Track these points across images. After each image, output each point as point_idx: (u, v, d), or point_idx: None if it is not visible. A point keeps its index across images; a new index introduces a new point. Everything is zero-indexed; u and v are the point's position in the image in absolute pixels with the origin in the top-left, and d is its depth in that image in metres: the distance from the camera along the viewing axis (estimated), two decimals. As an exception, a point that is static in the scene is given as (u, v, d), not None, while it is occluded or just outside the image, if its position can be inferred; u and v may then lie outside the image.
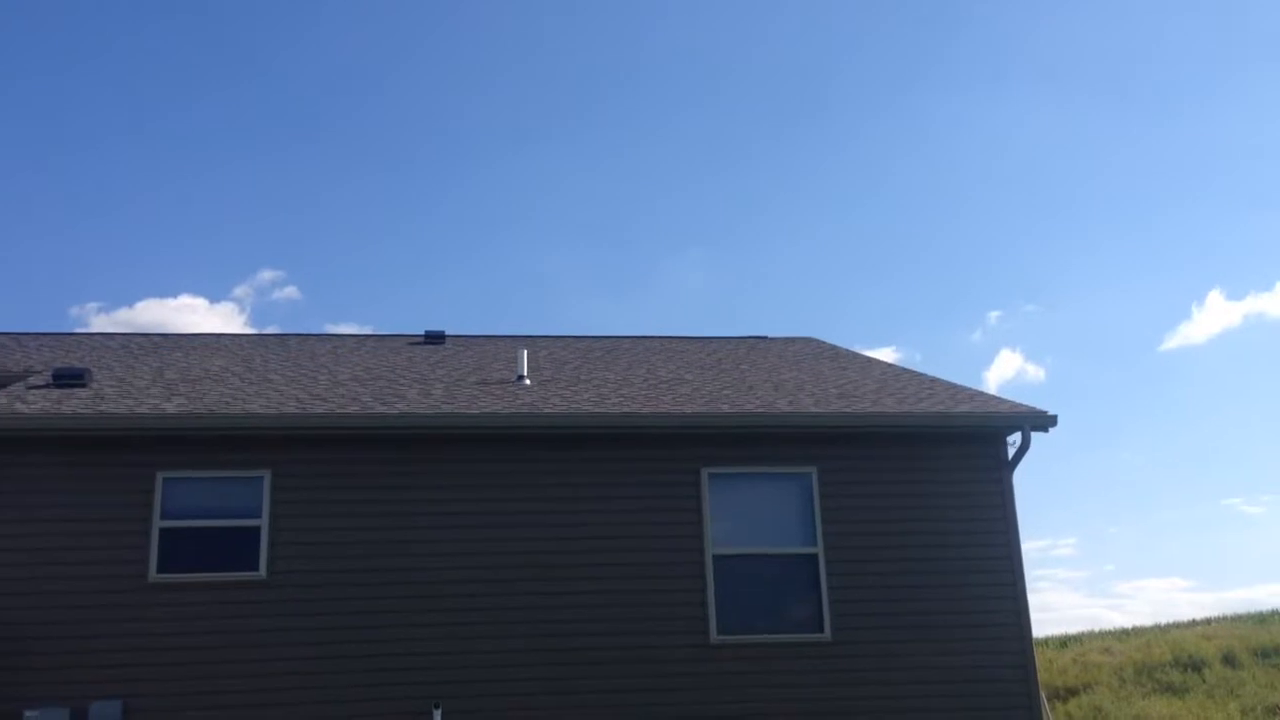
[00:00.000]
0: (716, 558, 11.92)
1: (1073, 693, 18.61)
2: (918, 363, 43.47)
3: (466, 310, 45.94)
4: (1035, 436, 12.38)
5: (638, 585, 11.72)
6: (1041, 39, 43.23)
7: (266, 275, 43.75)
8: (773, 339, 18.17)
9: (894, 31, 42.47)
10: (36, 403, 11.71)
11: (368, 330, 24.46)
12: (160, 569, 11.17)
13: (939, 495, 12.40)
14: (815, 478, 12.28)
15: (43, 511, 11.19)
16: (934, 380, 14.47)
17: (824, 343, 17.84)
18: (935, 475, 12.47)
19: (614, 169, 43.84)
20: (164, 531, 11.28)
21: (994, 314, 51.36)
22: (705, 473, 12.14)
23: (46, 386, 12.42)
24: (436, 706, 11.06)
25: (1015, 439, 12.50)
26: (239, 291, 43.42)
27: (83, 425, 11.31)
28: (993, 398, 13.57)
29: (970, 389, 13.92)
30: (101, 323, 38.79)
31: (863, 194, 46.46)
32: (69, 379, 12.52)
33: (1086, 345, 52.50)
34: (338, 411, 11.90)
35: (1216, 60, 46.49)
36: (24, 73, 36.42)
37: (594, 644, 11.47)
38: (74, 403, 11.77)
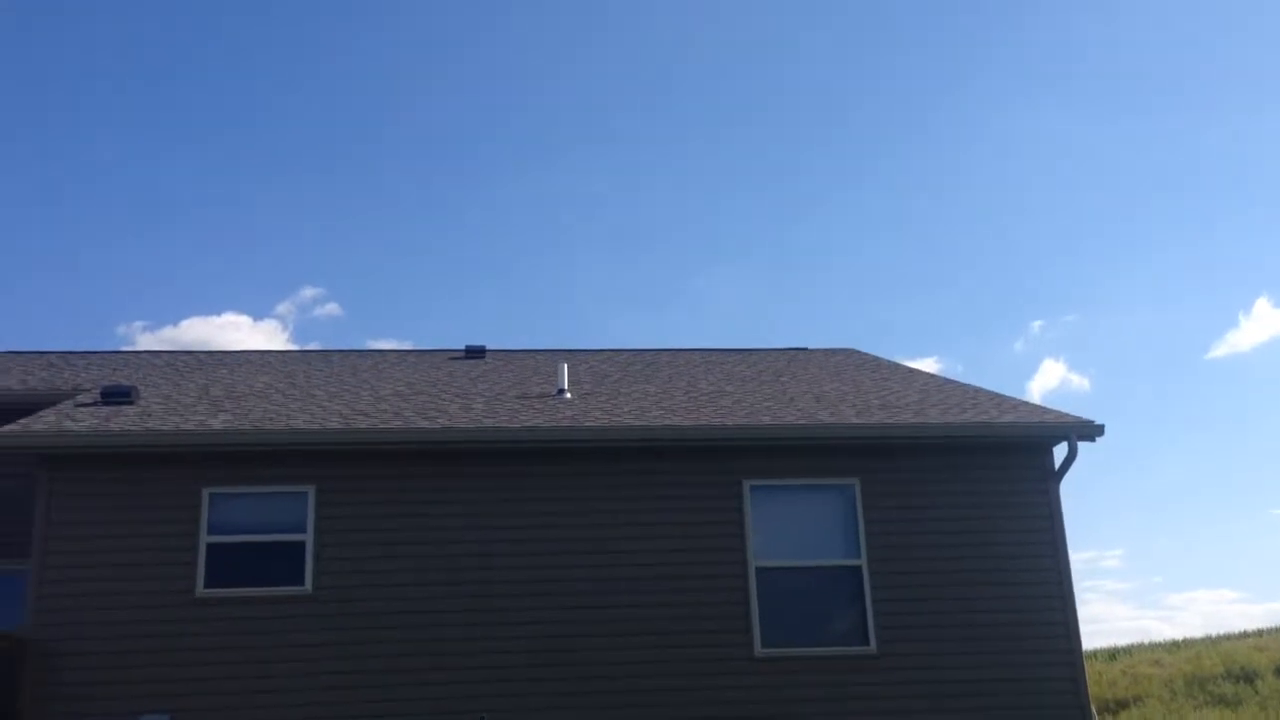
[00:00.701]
0: (759, 570, 11.86)
1: (1123, 705, 18.35)
2: (960, 374, 43.14)
3: (506, 325, 46.14)
4: (1081, 446, 12.26)
5: (681, 598, 11.69)
6: (1085, 48, 42.89)
7: (308, 292, 44.22)
8: (813, 350, 18.08)
9: (937, 43, 42.28)
10: (85, 420, 11.86)
11: (408, 346, 24.67)
12: (208, 584, 11.27)
13: (984, 506, 12.28)
14: (858, 489, 12.21)
15: (92, 528, 11.32)
16: (977, 390, 14.34)
17: (865, 354, 17.74)
18: (980, 486, 12.36)
19: (653, 181, 43.93)
20: (211, 546, 11.38)
21: (1037, 324, 50.90)
22: (747, 485, 12.10)
23: (95, 404, 12.59)
24: (481, 719, 11.07)
25: (1061, 449, 12.37)
26: (281, 309, 43.92)
27: (130, 442, 11.45)
28: (1038, 407, 13.43)
29: (1015, 399, 13.78)
30: (147, 341, 39.38)
31: (902, 205, 46.24)
32: (117, 397, 12.68)
33: (1131, 354, 51.94)
34: (380, 426, 11.98)
35: (1263, 66, 45.87)
36: (67, 95, 37.07)
37: (638, 657, 11.44)
38: (122, 420, 11.92)
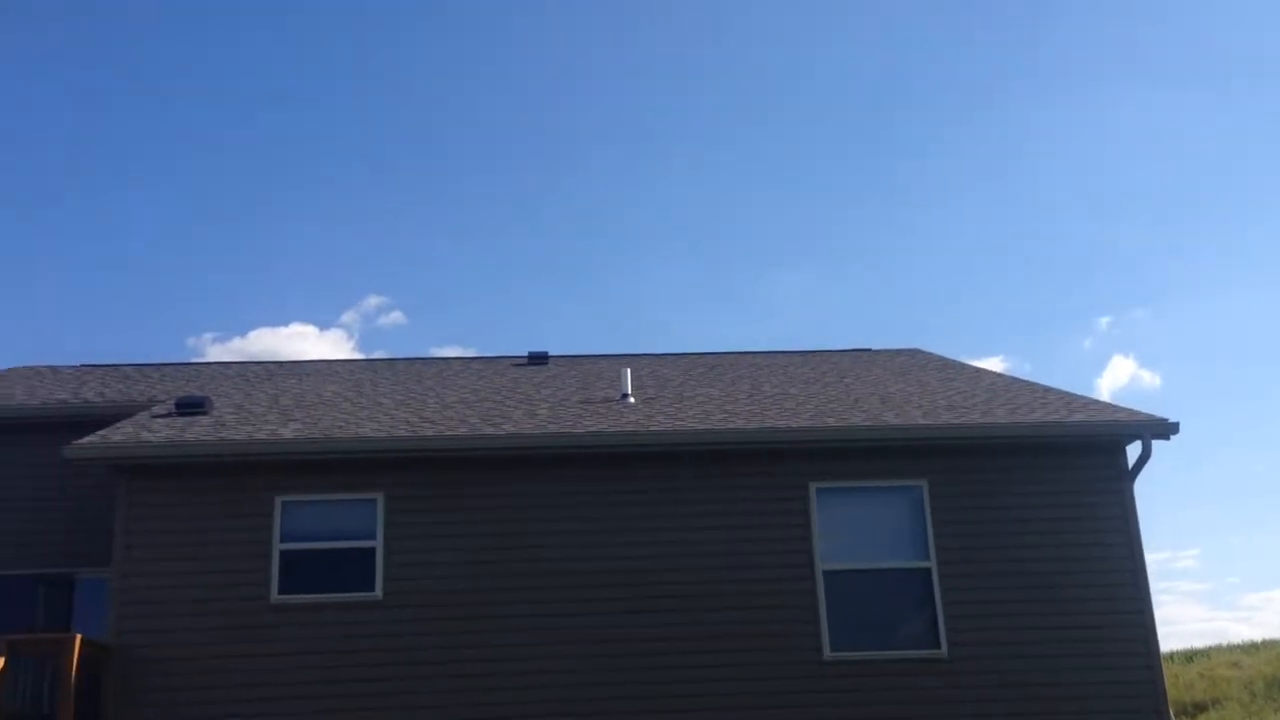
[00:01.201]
0: (827, 573, 11.80)
1: (1201, 708, 17.99)
2: (1026, 372, 42.54)
3: (568, 331, 46.31)
4: (1154, 445, 12.05)
5: (748, 602, 11.67)
6: (1148, 37, 42.10)
7: (373, 301, 44.71)
8: (877, 351, 17.96)
9: (998, 34, 41.72)
10: (161, 431, 12.13)
11: (472, 353, 24.90)
12: (281, 590, 11.46)
13: (1056, 507, 12.11)
14: (925, 491, 12.11)
15: (169, 536, 11.57)
16: (1046, 390, 14.15)
17: (930, 354, 17.57)
18: (1052, 487, 12.20)
19: (714, 184, 43.83)
20: (284, 554, 11.58)
21: (1104, 320, 49.95)
22: (813, 487, 12.05)
23: (170, 415, 12.86)
24: (551, 725, 11.15)
25: (1135, 448, 12.16)
26: (346, 318, 44.46)
27: (205, 452, 11.68)
28: (1109, 406, 13.21)
29: (1085, 398, 13.57)
30: (217, 352, 40.07)
31: (965, 200, 45.68)
32: (191, 407, 12.94)
33: (1204, 349, 50.74)
34: (447, 434, 12.09)
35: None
36: (138, 114, 37.93)
37: (706, 661, 11.44)
38: (196, 430, 12.17)
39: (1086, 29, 41.27)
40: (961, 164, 44.87)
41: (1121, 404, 13.25)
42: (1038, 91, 42.48)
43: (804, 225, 46.00)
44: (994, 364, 34.55)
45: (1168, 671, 17.15)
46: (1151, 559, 11.84)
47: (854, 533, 12.08)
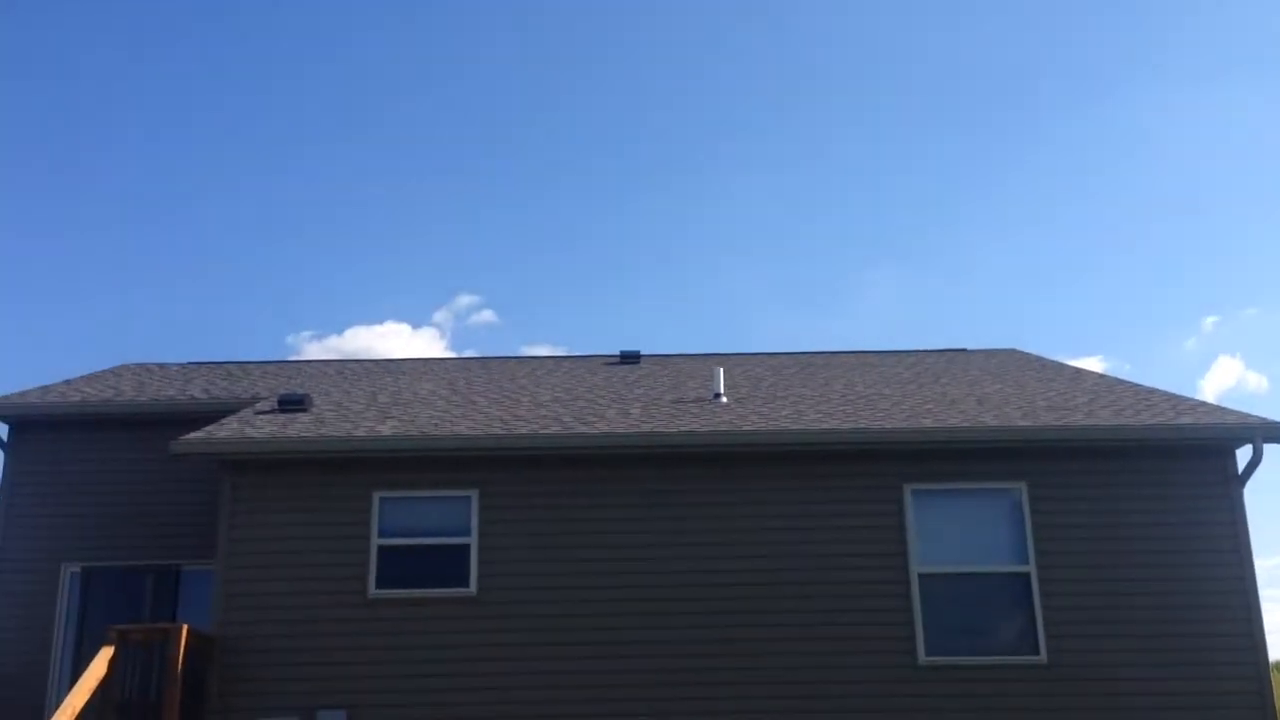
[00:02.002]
0: (922, 576, 11.64)
1: (1313, 723, 17.33)
2: (1127, 373, 41.48)
3: (659, 329, 46.30)
4: (1266, 449, 11.67)
5: (842, 605, 11.57)
6: (1260, 29, 40.70)
7: (464, 300, 45.23)
8: (973, 351, 17.66)
9: (1100, 25, 40.67)
10: (264, 427, 12.43)
11: (562, 351, 25.06)
12: (378, 585, 11.66)
13: (1162, 511, 11.80)
14: (1025, 493, 11.88)
15: (271, 530, 11.84)
16: (1150, 391, 13.78)
17: (1028, 354, 17.23)
18: (1157, 490, 11.88)
19: (804, 182, 43.48)
20: (381, 549, 11.78)
21: (1210, 319, 48.41)
22: (908, 489, 11.90)
23: (273, 412, 13.17)
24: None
25: (1245, 452, 11.80)
26: (439, 317, 45.04)
27: (306, 448, 11.93)
28: (1218, 408, 12.81)
29: (1192, 399, 13.19)
30: (314, 350, 40.88)
31: (1063, 196, 44.62)
32: (292, 404, 13.24)
33: (1313, 351, 48.87)
34: (540, 432, 12.19)
35: None
36: (228, 111, 38.90)
37: (799, 663, 11.37)
38: (298, 426, 12.44)
39: (1198, 21, 40.03)
40: (1060, 159, 43.87)
41: (1228, 406, 12.88)
42: (1144, 86, 41.34)
43: (896, 223, 45.38)
44: (1092, 364, 33.65)
45: (1276, 681, 16.56)
46: (1258, 565, 11.47)
47: (950, 536, 11.90)
